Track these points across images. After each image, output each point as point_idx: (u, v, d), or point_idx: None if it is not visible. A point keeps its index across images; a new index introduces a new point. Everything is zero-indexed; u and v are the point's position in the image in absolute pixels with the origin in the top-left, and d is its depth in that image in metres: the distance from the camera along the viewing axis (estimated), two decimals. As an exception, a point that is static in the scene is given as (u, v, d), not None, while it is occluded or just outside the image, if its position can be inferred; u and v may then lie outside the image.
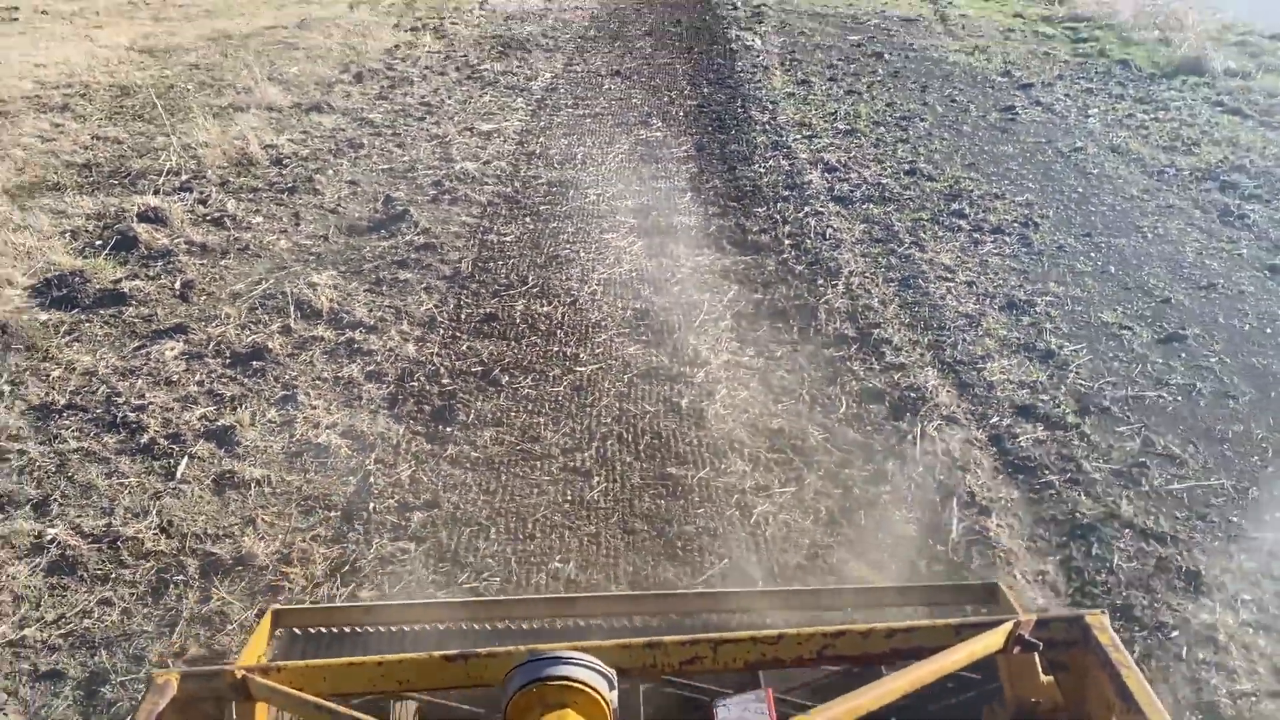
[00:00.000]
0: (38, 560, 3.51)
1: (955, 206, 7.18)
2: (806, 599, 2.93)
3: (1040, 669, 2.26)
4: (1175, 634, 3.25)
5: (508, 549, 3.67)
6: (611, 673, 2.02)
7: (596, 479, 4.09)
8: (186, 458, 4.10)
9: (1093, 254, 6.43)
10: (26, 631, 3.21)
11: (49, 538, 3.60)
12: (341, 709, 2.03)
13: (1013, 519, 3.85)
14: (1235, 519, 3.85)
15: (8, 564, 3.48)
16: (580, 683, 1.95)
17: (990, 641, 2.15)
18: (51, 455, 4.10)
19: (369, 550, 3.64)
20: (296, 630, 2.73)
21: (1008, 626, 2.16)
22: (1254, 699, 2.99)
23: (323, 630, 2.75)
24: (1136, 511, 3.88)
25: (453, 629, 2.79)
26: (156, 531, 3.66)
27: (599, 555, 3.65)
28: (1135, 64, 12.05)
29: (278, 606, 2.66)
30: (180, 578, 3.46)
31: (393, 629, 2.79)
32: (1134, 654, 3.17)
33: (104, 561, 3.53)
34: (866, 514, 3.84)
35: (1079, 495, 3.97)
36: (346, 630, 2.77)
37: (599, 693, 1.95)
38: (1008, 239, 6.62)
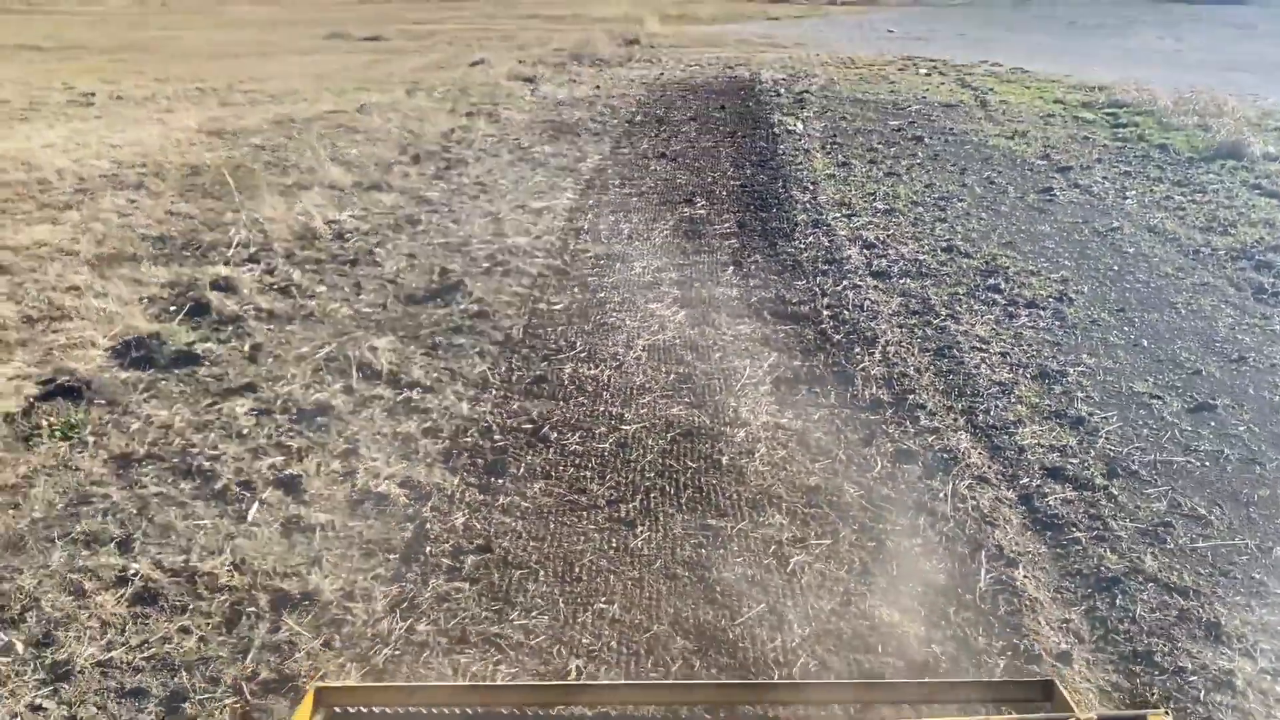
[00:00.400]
0: (122, 591, 3.78)
1: (991, 282, 7.41)
2: (855, 693, 2.94)
3: None
4: (1194, 678, 3.38)
5: (555, 590, 3.88)
6: None
7: (640, 528, 4.30)
8: (257, 503, 4.38)
9: (1126, 328, 6.60)
10: (113, 654, 3.47)
11: (132, 571, 3.87)
12: None
13: (1040, 571, 4.00)
14: (1258, 576, 3.97)
15: (95, 594, 3.75)
16: None
17: None
18: (133, 499, 4.40)
19: (425, 589, 3.87)
20: (338, 709, 2.77)
21: None
22: (1270, 740, 3.11)
23: (364, 710, 2.79)
24: (1161, 567, 4.01)
25: (495, 713, 2.84)
26: (230, 568, 3.92)
27: (642, 598, 3.85)
28: (1174, 148, 12.30)
29: (320, 685, 2.76)
30: (252, 609, 3.71)
31: (435, 710, 2.81)
32: (1152, 695, 3.30)
33: (182, 594, 3.79)
34: (898, 564, 4.01)
35: (1105, 551, 4.12)
36: (389, 711, 2.81)
37: None
38: (1042, 313, 6.83)
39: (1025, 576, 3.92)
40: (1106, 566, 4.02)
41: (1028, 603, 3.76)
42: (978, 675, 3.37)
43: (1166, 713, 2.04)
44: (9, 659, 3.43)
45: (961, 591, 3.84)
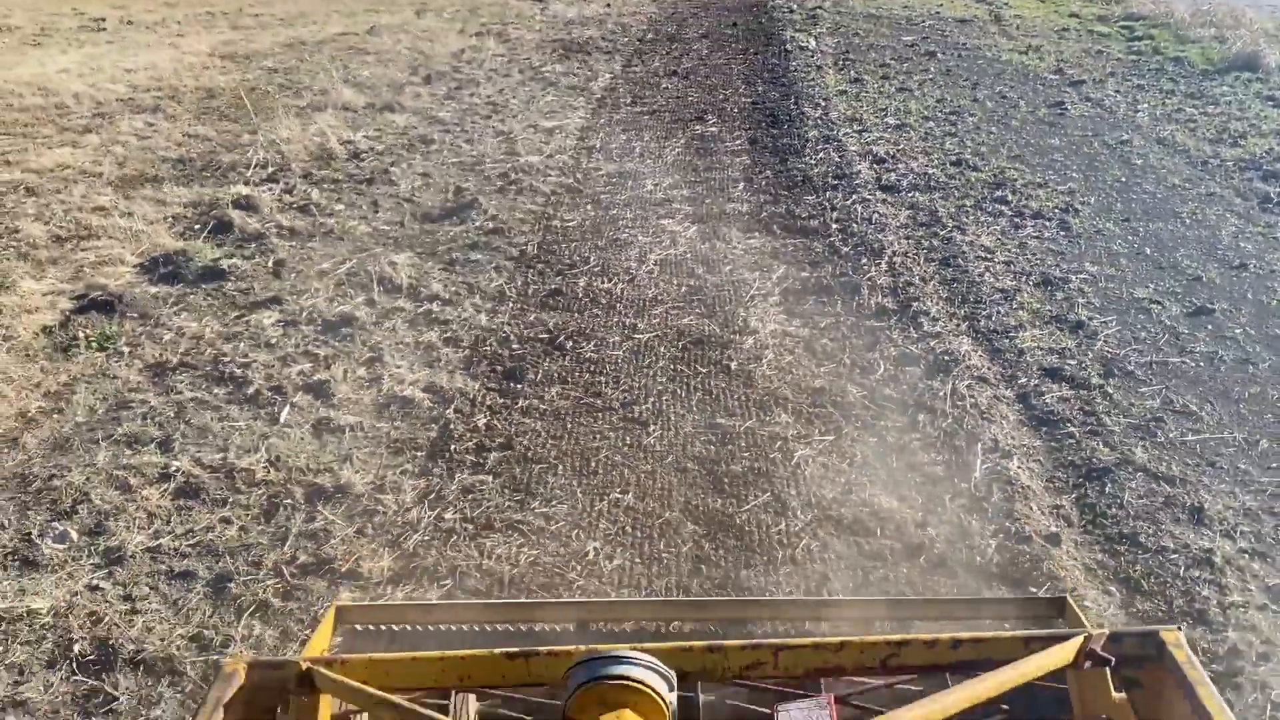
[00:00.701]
0: (165, 486, 4.02)
1: (998, 194, 7.50)
2: (868, 610, 2.90)
3: (1112, 686, 2.19)
4: (1175, 556, 3.59)
5: (573, 482, 4.11)
6: (671, 674, 2.00)
7: (653, 427, 4.51)
8: (288, 406, 4.60)
9: (1130, 237, 6.71)
10: (161, 541, 3.72)
11: (174, 468, 4.11)
12: (403, 702, 2.04)
13: (1033, 463, 4.21)
14: (1243, 466, 4.16)
15: (140, 489, 4.00)
16: (639, 683, 1.93)
17: (1061, 655, 2.08)
18: (169, 404, 4.63)
19: (451, 482, 4.10)
20: (359, 626, 2.77)
21: (1079, 641, 2.09)
22: (1242, 609, 3.32)
23: (385, 627, 2.78)
24: (1150, 458, 4.21)
25: (514, 630, 2.83)
26: (266, 465, 4.16)
27: (655, 488, 4.07)
28: (1189, 61, 12.19)
29: (341, 603, 2.77)
30: (288, 502, 3.95)
31: (454, 627, 2.80)
32: (1135, 572, 3.52)
33: (222, 488, 4.03)
34: (897, 458, 4.22)
35: (1097, 444, 4.31)
36: (409, 627, 2.79)
37: (658, 693, 1.94)
38: (1048, 223, 6.93)
39: (1019, 467, 4.12)
40: (1098, 458, 4.21)
41: (1020, 491, 3.96)
42: (969, 556, 3.59)
43: (1179, 628, 2.08)
44: (65, 546, 3.69)
45: (957, 481, 4.04)
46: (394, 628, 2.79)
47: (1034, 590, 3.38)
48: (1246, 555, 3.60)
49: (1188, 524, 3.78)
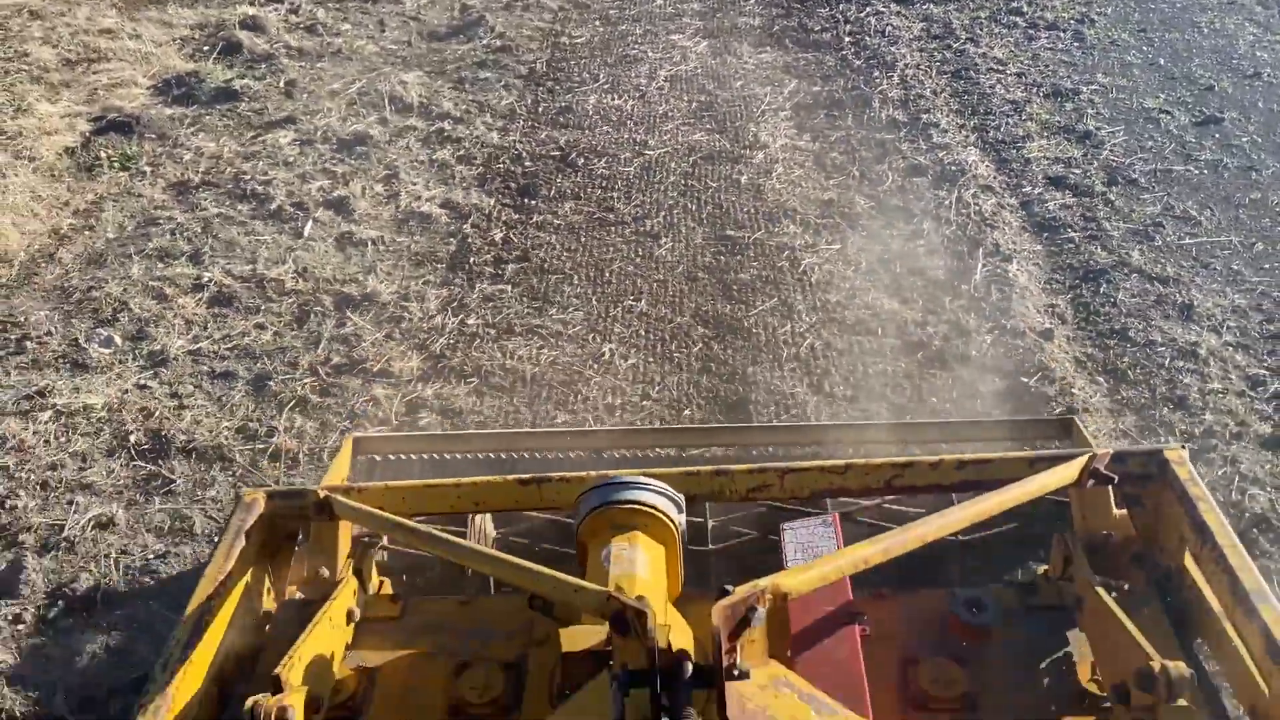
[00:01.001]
0: (200, 295, 4.21)
1: (1013, 4, 7.35)
2: (878, 433, 2.93)
3: (1113, 503, 2.26)
4: (1162, 349, 3.77)
5: (589, 291, 4.28)
6: (680, 498, 2.07)
7: (664, 240, 4.65)
8: (311, 221, 4.74)
9: (1144, 48, 6.63)
10: (201, 345, 3.93)
11: (206, 279, 4.30)
12: (420, 526, 2.11)
13: (1033, 266, 4.35)
14: (1236, 267, 4.29)
15: (176, 298, 4.19)
16: (649, 507, 1.99)
17: (1064, 474, 2.11)
18: (196, 220, 4.77)
19: (472, 291, 4.28)
20: (376, 457, 2.81)
21: (1083, 460, 2.13)
22: (1221, 395, 3.52)
23: (400, 456, 2.82)
24: (1146, 261, 4.34)
25: (527, 458, 2.85)
26: (294, 275, 4.33)
27: (666, 296, 4.24)
28: None
29: (358, 434, 2.87)
30: (318, 309, 4.14)
31: (468, 455, 2.84)
32: (1123, 364, 3.71)
33: (254, 297, 4.22)
34: (901, 263, 4.36)
35: (1096, 248, 4.44)
36: (424, 456, 2.82)
37: (668, 517, 2.00)
38: (1062, 34, 6.84)
39: (1018, 270, 4.27)
40: (1095, 261, 4.35)
41: (1018, 291, 4.12)
42: (965, 350, 3.78)
43: (1183, 447, 2.16)
44: (110, 350, 3.91)
45: (958, 284, 4.20)
46: (410, 457, 2.83)
47: (1025, 381, 3.58)
48: (1231, 348, 3.78)
49: (1177, 320, 3.94)
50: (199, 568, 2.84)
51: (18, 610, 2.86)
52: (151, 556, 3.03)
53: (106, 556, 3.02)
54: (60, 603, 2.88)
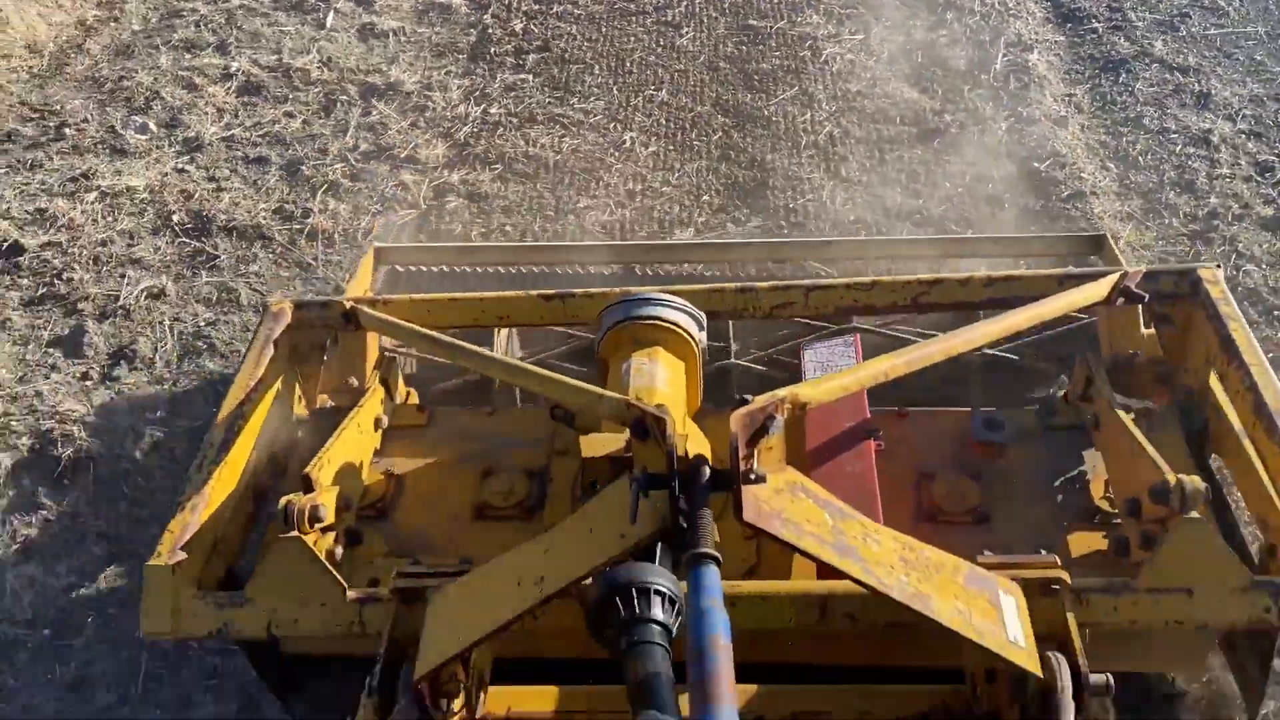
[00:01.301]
0: (229, 84, 4.29)
1: None
2: (911, 248, 2.89)
3: (1142, 322, 2.23)
4: (1175, 136, 3.83)
5: (610, 80, 4.33)
6: (701, 315, 2.08)
7: (686, 29, 4.64)
8: (333, 12, 4.75)
9: None
10: (233, 132, 4.04)
11: (234, 69, 4.36)
12: (447, 338, 2.13)
13: (1054, 56, 4.35)
14: (1259, 57, 4.27)
15: (206, 87, 4.27)
16: (670, 323, 2.00)
17: (1094, 292, 2.08)
18: (219, 11, 4.79)
19: (494, 81, 4.33)
20: (399, 268, 2.81)
21: (1114, 278, 2.10)
22: (1228, 180, 3.60)
23: (421, 269, 2.82)
24: (1168, 51, 4.32)
25: (548, 273, 2.84)
26: (319, 65, 4.39)
27: (687, 85, 4.29)
28: None
29: (379, 244, 2.83)
30: (344, 98, 4.22)
31: (490, 270, 2.83)
32: (1135, 150, 3.78)
33: (281, 86, 4.30)
34: (923, 53, 4.36)
35: (1118, 39, 4.42)
36: (446, 269, 2.82)
37: (688, 333, 2.02)
38: None
39: (1038, 60, 4.27)
40: (1117, 51, 4.34)
41: (1037, 81, 4.14)
42: (979, 137, 3.84)
43: (1218, 266, 2.11)
44: (146, 136, 4.03)
45: (978, 73, 4.21)
46: (432, 269, 2.82)
47: (1036, 166, 3.66)
48: (1243, 135, 3.82)
49: (1193, 108, 3.97)
50: (248, 332, 3.06)
51: (84, 369, 3.09)
52: (203, 324, 3.24)
53: (160, 323, 3.24)
54: (122, 362, 3.11)
